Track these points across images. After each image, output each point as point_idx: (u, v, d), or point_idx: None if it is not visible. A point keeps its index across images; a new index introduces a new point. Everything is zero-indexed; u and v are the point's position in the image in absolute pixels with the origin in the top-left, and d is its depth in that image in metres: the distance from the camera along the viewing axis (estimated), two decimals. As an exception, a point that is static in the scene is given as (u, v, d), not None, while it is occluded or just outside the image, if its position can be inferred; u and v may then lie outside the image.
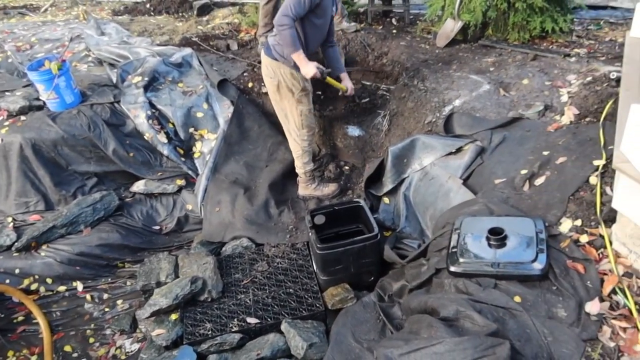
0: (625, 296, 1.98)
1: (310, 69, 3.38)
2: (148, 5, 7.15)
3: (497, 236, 2.28)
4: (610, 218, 2.28)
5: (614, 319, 1.94)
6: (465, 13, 4.46)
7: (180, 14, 6.81)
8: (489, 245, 2.30)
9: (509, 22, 4.47)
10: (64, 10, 7.73)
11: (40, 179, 3.89)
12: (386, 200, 3.68)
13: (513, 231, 2.31)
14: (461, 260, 2.28)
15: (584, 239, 2.30)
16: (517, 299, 2.05)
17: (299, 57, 3.35)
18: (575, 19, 4.87)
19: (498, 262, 2.20)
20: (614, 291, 2.03)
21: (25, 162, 3.84)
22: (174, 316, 3.16)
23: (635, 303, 1.94)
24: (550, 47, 4.31)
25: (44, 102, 4.08)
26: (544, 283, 2.12)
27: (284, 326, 2.98)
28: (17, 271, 3.57)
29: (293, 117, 3.72)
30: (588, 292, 2.06)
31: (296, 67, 3.47)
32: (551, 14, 4.32)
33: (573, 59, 3.96)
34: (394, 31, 5.22)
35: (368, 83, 4.54)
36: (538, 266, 2.13)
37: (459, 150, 3.35)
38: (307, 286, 3.28)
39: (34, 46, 5.48)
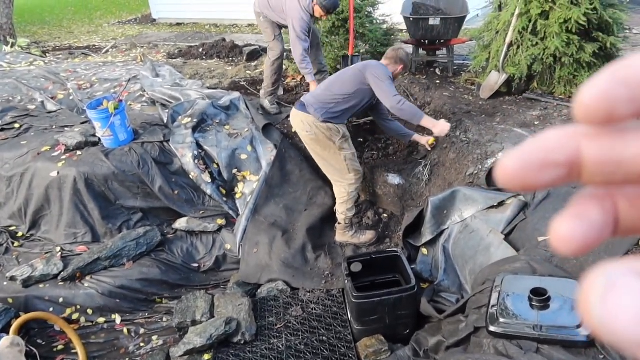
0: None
1: (444, 126, 3.52)
2: (201, 50, 7.53)
3: (540, 297, 2.21)
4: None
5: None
6: (510, 66, 4.47)
7: (231, 59, 7.13)
8: (531, 306, 2.22)
9: (555, 76, 4.44)
10: (124, 52, 8.24)
11: (89, 212, 4.06)
12: (424, 251, 3.63)
13: (557, 293, 2.23)
14: (501, 320, 2.21)
15: (634, 306, 2.19)
16: (561, 366, 1.96)
17: (428, 121, 3.50)
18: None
19: (540, 325, 2.12)
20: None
21: (78, 195, 4.03)
22: (207, 356, 3.18)
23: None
24: (598, 102, 4.23)
25: (99, 139, 4.31)
26: (590, 351, 2.02)
27: (315, 375, 2.94)
28: (60, 300, 3.69)
29: (338, 164, 3.75)
30: (638, 364, 1.95)
31: (329, 121, 3.57)
32: (599, 69, 4.25)
33: (622, 115, 3.87)
34: (438, 81, 5.28)
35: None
36: (584, 332, 2.04)
37: (501, 204, 3.30)
38: (341, 335, 3.24)
39: (94, 85, 5.84)
